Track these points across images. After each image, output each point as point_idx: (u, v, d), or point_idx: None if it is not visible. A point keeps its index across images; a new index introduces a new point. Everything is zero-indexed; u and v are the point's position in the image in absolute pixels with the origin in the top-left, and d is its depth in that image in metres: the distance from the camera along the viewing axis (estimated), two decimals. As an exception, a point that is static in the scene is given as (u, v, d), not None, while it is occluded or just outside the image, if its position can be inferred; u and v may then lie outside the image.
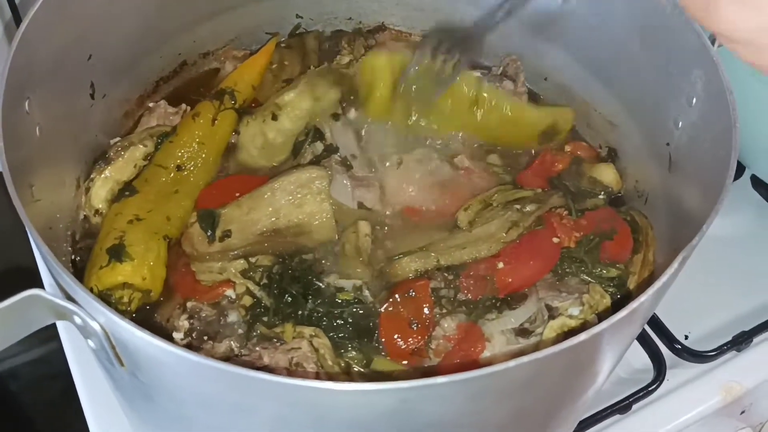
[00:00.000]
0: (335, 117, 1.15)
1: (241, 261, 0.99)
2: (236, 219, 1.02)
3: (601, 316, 0.94)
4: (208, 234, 1.01)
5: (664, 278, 0.72)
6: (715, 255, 1.24)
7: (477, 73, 1.18)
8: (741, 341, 1.16)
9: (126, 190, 1.06)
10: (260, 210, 1.02)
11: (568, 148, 1.16)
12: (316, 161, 1.11)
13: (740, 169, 1.34)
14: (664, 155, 1.02)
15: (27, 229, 0.76)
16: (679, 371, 1.16)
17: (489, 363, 0.89)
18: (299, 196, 1.02)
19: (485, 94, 1.14)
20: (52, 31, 0.93)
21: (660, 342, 1.16)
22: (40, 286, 1.06)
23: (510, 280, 0.98)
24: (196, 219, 1.03)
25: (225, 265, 0.99)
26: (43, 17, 0.90)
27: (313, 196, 1.02)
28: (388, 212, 1.09)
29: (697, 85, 0.92)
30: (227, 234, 1.01)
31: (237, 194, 1.05)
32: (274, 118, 1.12)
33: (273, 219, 1.02)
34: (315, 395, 0.64)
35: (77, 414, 1.10)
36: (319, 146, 1.12)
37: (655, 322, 1.17)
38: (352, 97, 1.17)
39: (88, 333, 0.72)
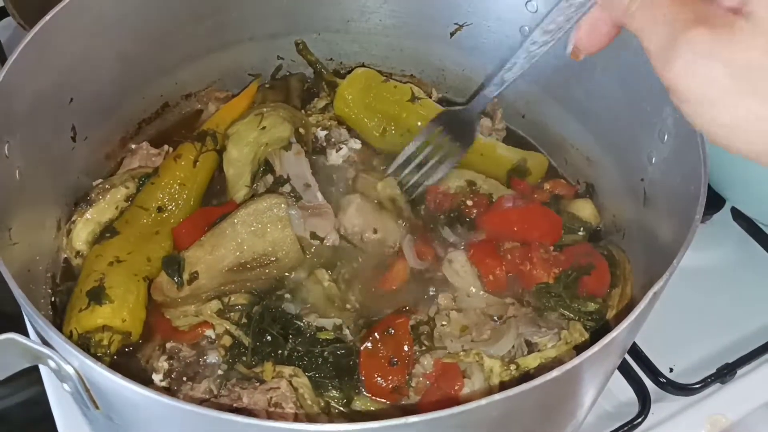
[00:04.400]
0: (286, 148, 1.14)
1: (216, 301, 0.99)
2: (201, 259, 1.01)
3: (579, 349, 0.94)
4: (176, 279, 1.00)
5: (636, 312, 0.73)
6: (698, 287, 1.24)
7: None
8: (725, 373, 1.16)
9: (107, 231, 1.07)
10: (224, 246, 1.02)
11: (547, 186, 1.17)
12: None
13: (720, 202, 1.35)
14: (639, 190, 1.03)
15: (2, 273, 0.76)
16: (664, 404, 1.15)
17: (468, 400, 0.89)
18: (260, 225, 1.02)
19: None
20: (33, 75, 0.94)
21: (644, 375, 1.16)
22: (24, 330, 1.07)
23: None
24: (162, 267, 1.02)
25: (200, 307, 0.99)
26: (23, 62, 0.92)
27: (273, 224, 1.02)
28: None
29: (668, 121, 0.94)
30: (195, 276, 1.00)
31: (206, 228, 1.05)
32: (223, 148, 1.14)
33: (238, 253, 1.01)
34: (288, 437, 0.64)
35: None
36: (269, 178, 1.13)
37: (639, 356, 1.17)
38: (302, 131, 1.18)
39: (62, 377, 0.72)
